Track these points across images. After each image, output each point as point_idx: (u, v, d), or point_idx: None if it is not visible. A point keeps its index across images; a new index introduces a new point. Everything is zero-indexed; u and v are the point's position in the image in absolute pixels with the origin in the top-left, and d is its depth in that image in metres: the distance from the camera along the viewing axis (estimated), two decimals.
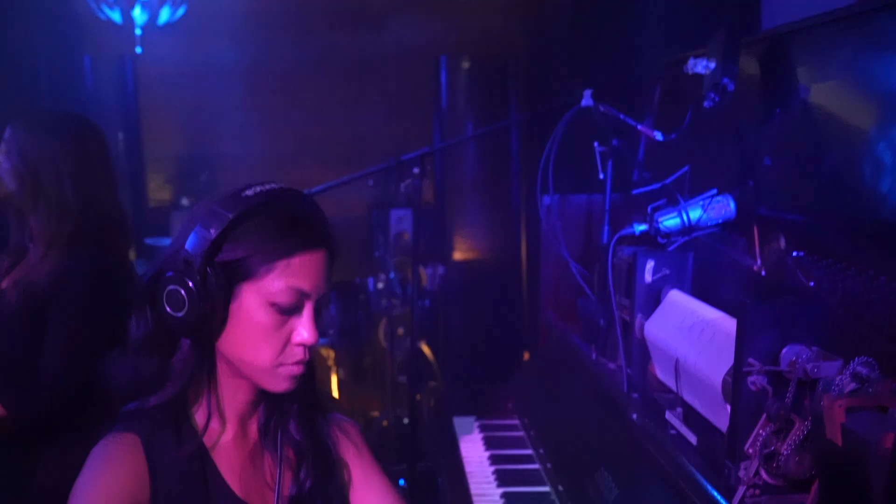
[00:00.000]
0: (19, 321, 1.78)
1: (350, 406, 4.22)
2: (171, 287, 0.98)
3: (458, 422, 2.04)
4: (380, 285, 3.82)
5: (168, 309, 0.99)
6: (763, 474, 1.09)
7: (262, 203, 1.00)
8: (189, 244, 0.99)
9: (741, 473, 1.10)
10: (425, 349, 3.62)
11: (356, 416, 4.14)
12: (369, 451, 1.26)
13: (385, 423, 3.70)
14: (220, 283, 0.98)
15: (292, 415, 1.13)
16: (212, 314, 0.99)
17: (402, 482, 3.22)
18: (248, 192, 1.01)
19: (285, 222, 1.01)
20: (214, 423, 1.08)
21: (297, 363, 1.04)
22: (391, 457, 3.60)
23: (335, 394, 4.09)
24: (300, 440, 1.14)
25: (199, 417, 1.07)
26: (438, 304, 3.58)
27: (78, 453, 1.08)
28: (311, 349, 1.05)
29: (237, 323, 1.01)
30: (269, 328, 1.01)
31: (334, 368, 4.15)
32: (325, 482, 1.16)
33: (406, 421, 3.55)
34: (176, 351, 1.03)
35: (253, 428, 1.13)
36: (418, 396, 3.39)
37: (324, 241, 1.03)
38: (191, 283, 0.97)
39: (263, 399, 1.12)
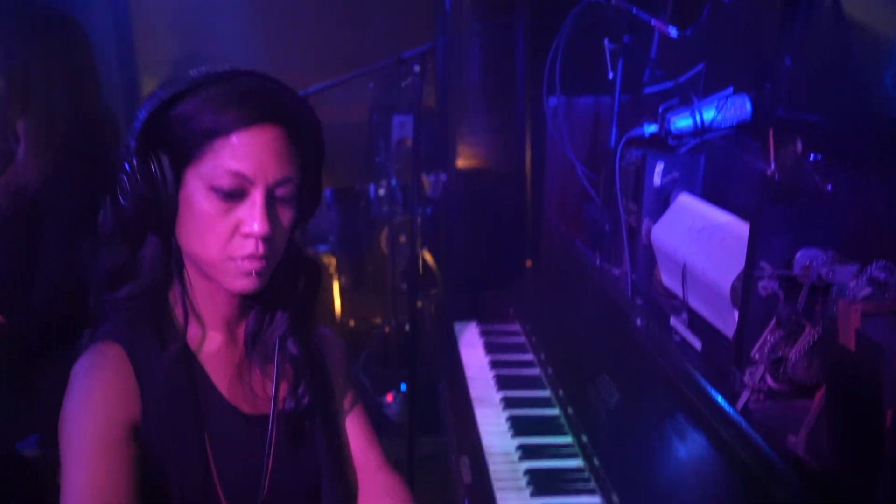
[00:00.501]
0: (12, 226, 1.74)
1: (352, 314, 4.25)
2: (119, 176, 0.94)
3: (459, 327, 2.03)
4: (381, 192, 3.76)
5: (120, 199, 0.95)
6: (768, 380, 1.07)
7: (203, 81, 0.94)
8: (131, 129, 0.94)
9: (746, 378, 1.08)
10: (427, 257, 3.60)
11: (358, 323, 4.18)
12: (348, 371, 1.25)
13: (386, 329, 3.73)
14: (160, 169, 0.93)
15: (286, 327, 1.09)
16: (156, 203, 0.94)
17: (403, 387, 3.27)
18: (192, 73, 0.94)
19: (225, 97, 0.93)
20: (195, 327, 1.04)
21: (249, 258, 0.96)
22: (393, 363, 3.65)
23: (337, 302, 4.11)
24: (297, 355, 1.11)
25: (180, 316, 1.03)
26: (440, 212, 3.53)
27: None
28: (269, 244, 0.96)
29: (185, 212, 0.95)
30: (212, 216, 0.94)
31: (336, 276, 4.15)
32: (321, 393, 1.14)
33: (407, 328, 3.58)
34: (143, 243, 0.99)
35: (241, 333, 1.09)
36: (419, 304, 3.39)
37: (274, 118, 0.94)
38: (128, 168, 0.93)
39: (249, 304, 1.07)
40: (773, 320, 1.04)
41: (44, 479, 2.10)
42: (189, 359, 1.03)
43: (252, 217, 0.94)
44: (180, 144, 0.93)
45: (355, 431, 1.21)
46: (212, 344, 1.06)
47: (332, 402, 1.19)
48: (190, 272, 1.02)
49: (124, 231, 0.98)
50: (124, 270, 1.00)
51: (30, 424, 1.96)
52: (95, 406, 0.95)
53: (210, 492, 1.03)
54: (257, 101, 0.94)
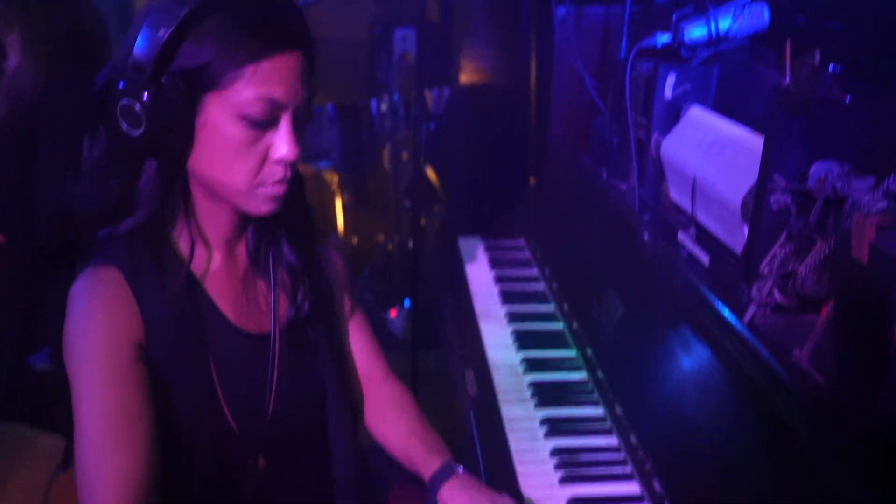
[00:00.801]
0: (10, 139, 1.71)
1: (355, 231, 4.25)
2: (124, 101, 0.88)
3: (464, 242, 2.03)
4: (383, 108, 3.69)
5: (124, 126, 0.89)
6: (776, 294, 1.07)
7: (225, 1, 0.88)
8: (137, 49, 0.87)
9: (754, 293, 1.08)
10: (430, 173, 3.57)
11: (361, 240, 4.18)
12: (351, 282, 1.25)
13: (390, 246, 3.73)
14: (179, 95, 0.88)
15: (284, 237, 1.08)
16: (174, 131, 0.89)
17: (406, 303, 3.29)
18: None
19: (252, 20, 0.89)
20: (199, 251, 1.02)
21: (278, 182, 0.96)
22: (396, 279, 3.67)
23: (340, 219, 4.10)
24: (294, 262, 1.09)
25: (182, 245, 1.00)
26: (444, 128, 3.48)
27: None
28: (292, 166, 0.97)
29: (206, 140, 0.92)
30: (242, 145, 0.91)
31: (338, 193, 4.13)
32: (323, 305, 1.14)
33: (410, 245, 3.58)
34: (142, 173, 0.94)
35: (242, 253, 1.08)
36: (423, 221, 3.38)
37: (299, 43, 0.92)
38: (145, 96, 0.87)
39: (249, 221, 1.05)
40: (784, 234, 1.03)
41: (56, 392, 2.14)
42: (192, 284, 1.01)
43: (284, 143, 0.93)
44: (202, 70, 0.88)
45: (359, 343, 1.22)
46: (213, 266, 1.04)
47: (335, 314, 1.19)
48: (196, 197, 1.00)
49: (126, 160, 0.94)
50: (123, 203, 0.96)
51: (40, 338, 1.98)
52: (98, 328, 0.93)
53: (216, 412, 1.03)
54: (284, 25, 0.91)
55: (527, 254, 1.94)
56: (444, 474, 1.10)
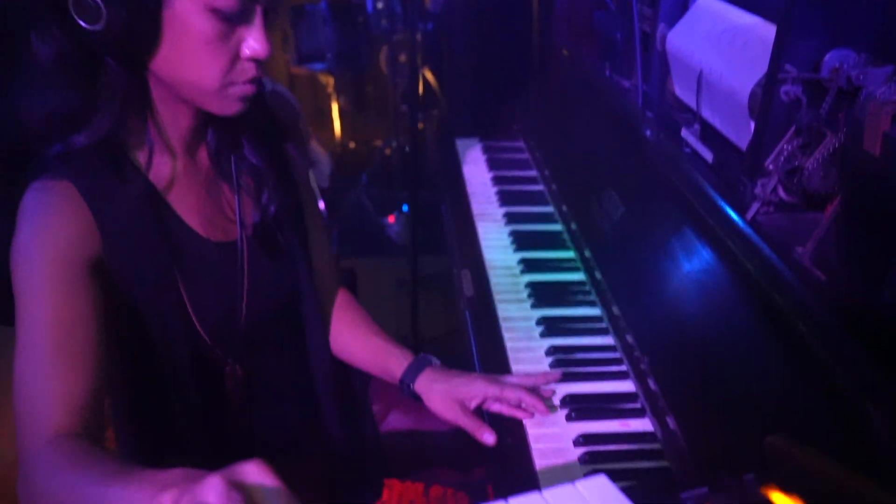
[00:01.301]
0: None
1: (352, 135, 4.17)
2: None
3: (462, 143, 1.98)
4: (379, 5, 3.56)
5: (80, 22, 0.81)
6: (780, 191, 1.04)
7: None
8: None
9: (758, 190, 1.05)
10: (428, 76, 3.47)
11: (359, 145, 4.12)
12: (309, 182, 1.21)
13: (388, 151, 3.67)
14: None
15: (246, 138, 1.03)
16: (138, 26, 0.83)
17: (404, 208, 3.27)
18: None
19: None
20: (159, 158, 0.96)
21: (249, 82, 0.91)
22: (394, 184, 3.63)
23: (336, 123, 4.02)
24: (257, 164, 1.05)
25: (139, 153, 0.95)
26: (442, 28, 3.36)
27: None
28: (263, 66, 0.91)
29: (173, 36, 0.85)
30: (212, 40, 0.85)
31: (334, 96, 4.03)
32: (290, 207, 1.10)
33: (408, 149, 3.52)
34: (99, 77, 0.87)
35: (203, 158, 1.03)
36: (420, 125, 3.31)
37: None
38: None
39: (210, 124, 1.00)
40: (793, 128, 0.99)
41: None
42: (153, 194, 0.96)
43: (256, 38, 0.88)
44: None
45: (317, 247, 1.19)
46: (174, 174, 0.98)
47: (303, 214, 1.15)
48: (157, 100, 0.93)
49: (82, 62, 0.87)
50: (77, 112, 0.89)
51: None
52: (47, 242, 0.87)
53: (188, 324, 1.00)
54: None
55: (526, 155, 1.90)
56: (417, 366, 1.10)
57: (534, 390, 1.08)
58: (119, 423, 1.10)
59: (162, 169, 0.97)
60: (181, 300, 0.99)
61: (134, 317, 0.95)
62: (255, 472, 0.60)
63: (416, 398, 1.11)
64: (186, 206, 1.00)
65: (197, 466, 0.63)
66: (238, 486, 0.57)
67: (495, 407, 1.07)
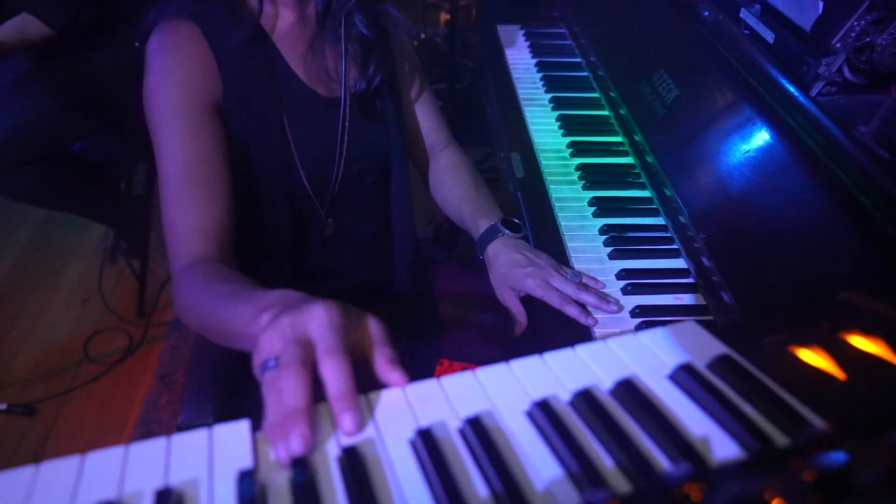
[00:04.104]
0: None
1: None
2: None
3: (503, 30, 1.95)
4: None
5: None
6: (845, 71, 1.04)
7: None
8: None
9: (821, 69, 1.05)
10: None
11: None
12: (415, 53, 1.23)
13: (415, 42, 3.60)
14: None
15: (356, 5, 1.05)
16: None
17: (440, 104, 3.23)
18: None
19: None
20: (269, 8, 1.01)
21: None
22: (431, 75, 3.56)
23: None
24: (365, 33, 1.07)
25: (251, 1, 1.00)
26: None
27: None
28: None
29: None
30: None
31: None
32: (391, 80, 1.14)
33: (438, 40, 3.46)
34: None
35: (311, 15, 1.06)
36: (446, 15, 3.24)
37: None
38: None
39: None
40: (866, 2, 0.97)
41: (97, 184, 2.20)
42: (264, 41, 1.01)
43: None
44: None
45: (425, 114, 1.24)
46: (283, 26, 1.03)
47: (401, 84, 1.19)
48: None
49: None
50: None
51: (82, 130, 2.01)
52: (177, 82, 0.94)
53: (291, 170, 1.06)
54: None
55: (569, 41, 1.87)
56: (489, 234, 1.14)
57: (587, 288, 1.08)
58: None
59: (272, 19, 1.02)
60: (288, 145, 1.04)
61: (241, 160, 1.01)
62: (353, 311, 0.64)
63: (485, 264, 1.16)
64: (294, 57, 1.04)
65: None
66: (337, 316, 0.60)
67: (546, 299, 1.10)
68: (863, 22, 0.98)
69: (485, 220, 1.16)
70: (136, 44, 2.16)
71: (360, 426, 0.54)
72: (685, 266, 1.14)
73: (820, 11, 1.06)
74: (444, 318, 1.36)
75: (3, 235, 2.79)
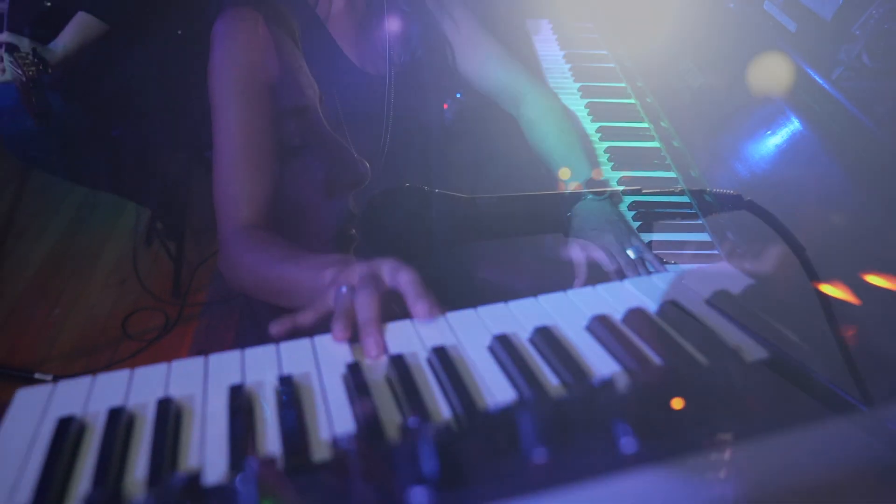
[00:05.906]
0: None
1: None
2: None
3: (532, 23, 2.02)
4: None
5: None
6: (864, 57, 1.11)
7: None
8: None
9: (841, 56, 1.12)
10: None
11: None
12: (469, 17, 1.29)
13: None
14: None
15: None
16: None
17: (458, 94, 3.31)
18: None
19: None
20: None
21: None
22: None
23: None
24: (406, 8, 1.15)
25: None
26: None
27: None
28: None
29: None
30: None
31: None
32: (435, 48, 1.21)
33: None
34: None
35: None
36: None
37: None
38: None
39: None
40: None
41: (135, 166, 2.29)
42: (318, 26, 1.09)
43: None
44: None
45: (491, 69, 1.30)
46: (335, 9, 1.11)
47: (446, 58, 1.25)
48: None
49: None
50: None
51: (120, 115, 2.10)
52: (239, 64, 1.02)
53: (343, 148, 1.14)
54: None
55: (596, 35, 1.95)
56: (575, 197, 1.19)
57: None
58: None
59: (326, 4, 1.10)
60: (341, 125, 1.12)
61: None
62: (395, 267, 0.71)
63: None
64: (345, 40, 1.12)
65: None
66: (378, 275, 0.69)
67: None
68: (881, 10, 1.05)
69: (574, 182, 1.22)
70: (179, 31, 2.24)
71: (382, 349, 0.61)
72: (708, 238, 1.22)
73: (841, 1, 1.13)
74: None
75: (44, 219, 2.90)
